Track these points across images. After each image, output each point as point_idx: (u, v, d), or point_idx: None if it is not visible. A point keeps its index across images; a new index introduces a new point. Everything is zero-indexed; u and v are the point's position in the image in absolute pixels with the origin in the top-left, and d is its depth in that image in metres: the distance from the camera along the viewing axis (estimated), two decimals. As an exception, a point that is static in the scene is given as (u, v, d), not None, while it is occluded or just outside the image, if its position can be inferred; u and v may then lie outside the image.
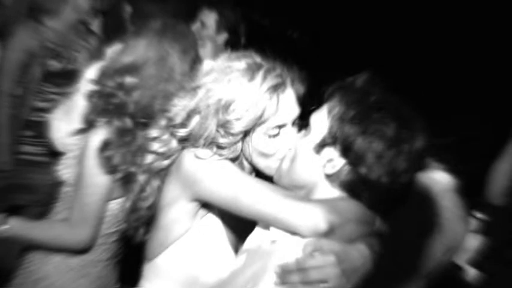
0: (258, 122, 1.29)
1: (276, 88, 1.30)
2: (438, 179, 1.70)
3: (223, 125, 1.29)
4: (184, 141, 1.35)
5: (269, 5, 4.36)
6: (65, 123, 1.86)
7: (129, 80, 1.55)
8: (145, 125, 1.50)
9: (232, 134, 1.29)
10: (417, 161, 1.17)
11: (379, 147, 1.09)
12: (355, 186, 1.14)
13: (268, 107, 1.29)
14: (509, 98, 3.12)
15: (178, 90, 1.43)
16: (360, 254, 1.11)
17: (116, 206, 1.66)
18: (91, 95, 1.62)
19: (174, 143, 1.37)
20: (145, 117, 1.53)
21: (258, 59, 1.34)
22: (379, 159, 1.09)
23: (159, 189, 1.41)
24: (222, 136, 1.29)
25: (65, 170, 1.70)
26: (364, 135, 1.10)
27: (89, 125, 1.60)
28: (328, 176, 1.16)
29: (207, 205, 1.33)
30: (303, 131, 1.29)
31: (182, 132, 1.33)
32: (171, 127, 1.37)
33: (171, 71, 1.56)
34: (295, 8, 4.45)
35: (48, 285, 1.69)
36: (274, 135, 1.32)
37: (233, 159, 1.33)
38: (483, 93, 3.37)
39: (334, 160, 1.15)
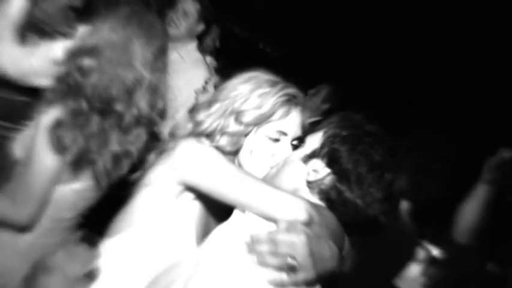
0: (266, 120, 1.40)
1: (290, 100, 1.43)
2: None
3: (237, 114, 1.39)
4: (199, 126, 1.42)
5: (242, 15, 4.43)
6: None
7: (87, 62, 1.56)
8: (101, 111, 1.54)
9: (242, 123, 1.39)
10: (393, 198, 1.23)
11: (363, 169, 1.17)
12: (332, 198, 1.19)
13: (279, 110, 1.41)
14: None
15: (137, 78, 1.53)
16: (331, 249, 1.14)
17: (68, 191, 1.63)
18: (55, 75, 1.62)
19: (189, 126, 1.46)
20: (101, 102, 1.55)
21: (280, 79, 1.48)
22: (359, 181, 1.16)
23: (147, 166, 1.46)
24: (232, 125, 1.39)
25: (20, 147, 1.65)
26: (352, 152, 1.18)
27: (48, 104, 1.58)
28: (309, 183, 1.23)
29: (189, 194, 1.36)
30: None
31: (201, 116, 1.43)
32: (193, 112, 1.45)
33: (131, 58, 1.58)
34: (267, 20, 4.55)
35: None
36: (275, 140, 1.41)
37: (228, 153, 1.39)
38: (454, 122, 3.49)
39: (319, 171, 1.21)
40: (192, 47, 2.77)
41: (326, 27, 4.39)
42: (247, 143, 1.42)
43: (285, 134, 1.42)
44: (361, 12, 4.23)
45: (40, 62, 1.63)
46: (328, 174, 1.19)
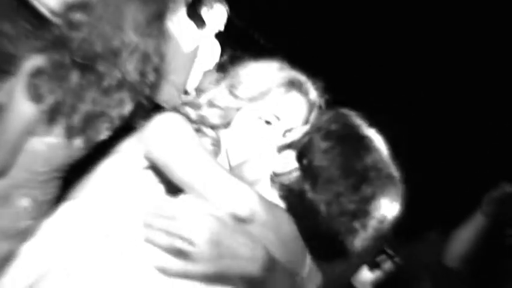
0: (261, 97, 1.29)
1: (294, 84, 1.31)
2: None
3: (232, 85, 1.32)
4: (199, 96, 1.38)
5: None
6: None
7: (77, 16, 1.56)
8: (83, 67, 1.54)
9: (236, 96, 1.30)
10: (368, 219, 1.01)
11: (336, 172, 0.98)
12: (292, 196, 1.04)
13: (276, 89, 1.30)
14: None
15: (124, 41, 1.53)
16: (256, 251, 0.93)
17: (41, 144, 1.64)
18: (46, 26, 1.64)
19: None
20: (84, 58, 1.55)
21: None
22: (328, 184, 0.98)
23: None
24: (225, 97, 1.31)
25: (4, 94, 1.65)
26: (330, 150, 1.01)
27: (34, 51, 1.59)
28: (275, 175, 1.08)
29: (155, 176, 1.24)
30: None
31: (207, 89, 1.38)
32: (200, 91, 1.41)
33: (122, 19, 1.57)
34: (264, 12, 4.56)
35: None
36: (266, 122, 1.28)
37: (214, 126, 1.32)
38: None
39: (288, 163, 1.06)
40: (182, 13, 2.94)
41: (321, 24, 4.40)
42: (237, 119, 1.31)
43: (277, 117, 1.28)
44: (357, 10, 4.23)
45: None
46: (297, 169, 1.03)
